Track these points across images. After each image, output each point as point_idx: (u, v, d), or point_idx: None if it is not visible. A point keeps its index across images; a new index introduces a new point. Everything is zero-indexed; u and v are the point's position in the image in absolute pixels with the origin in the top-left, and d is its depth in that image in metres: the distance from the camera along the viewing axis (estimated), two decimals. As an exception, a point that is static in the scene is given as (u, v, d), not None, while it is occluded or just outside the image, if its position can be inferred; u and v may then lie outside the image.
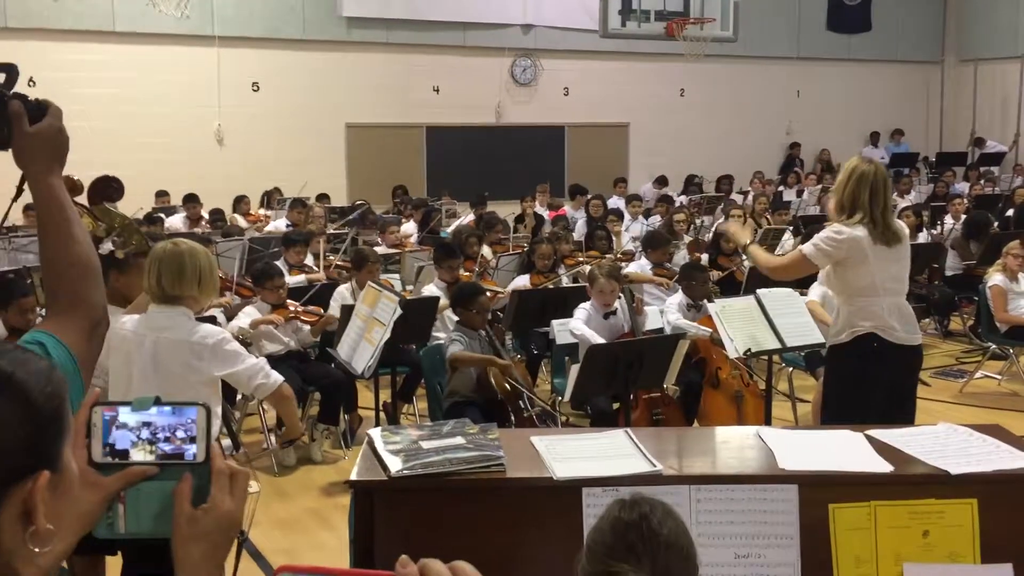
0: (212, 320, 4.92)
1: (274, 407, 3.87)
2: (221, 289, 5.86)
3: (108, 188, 3.19)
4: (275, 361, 5.91)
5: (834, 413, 4.15)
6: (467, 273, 7.46)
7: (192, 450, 1.24)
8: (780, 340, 4.87)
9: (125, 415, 1.25)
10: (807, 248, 4.21)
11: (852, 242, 4.08)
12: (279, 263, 7.16)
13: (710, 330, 5.91)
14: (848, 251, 4.09)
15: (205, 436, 1.24)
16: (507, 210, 11.83)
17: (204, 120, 13.65)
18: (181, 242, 3.51)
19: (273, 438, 6.02)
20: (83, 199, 2.79)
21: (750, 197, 13.25)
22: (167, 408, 1.25)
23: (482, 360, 5.19)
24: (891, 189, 4.27)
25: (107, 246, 3.22)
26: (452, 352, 5.14)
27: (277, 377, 3.63)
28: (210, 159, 13.65)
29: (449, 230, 10.29)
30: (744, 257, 8.27)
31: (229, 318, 6.22)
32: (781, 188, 15.05)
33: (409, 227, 10.86)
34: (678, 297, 6.39)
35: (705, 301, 6.20)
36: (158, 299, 3.45)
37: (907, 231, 4.29)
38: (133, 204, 11.21)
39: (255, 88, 14.02)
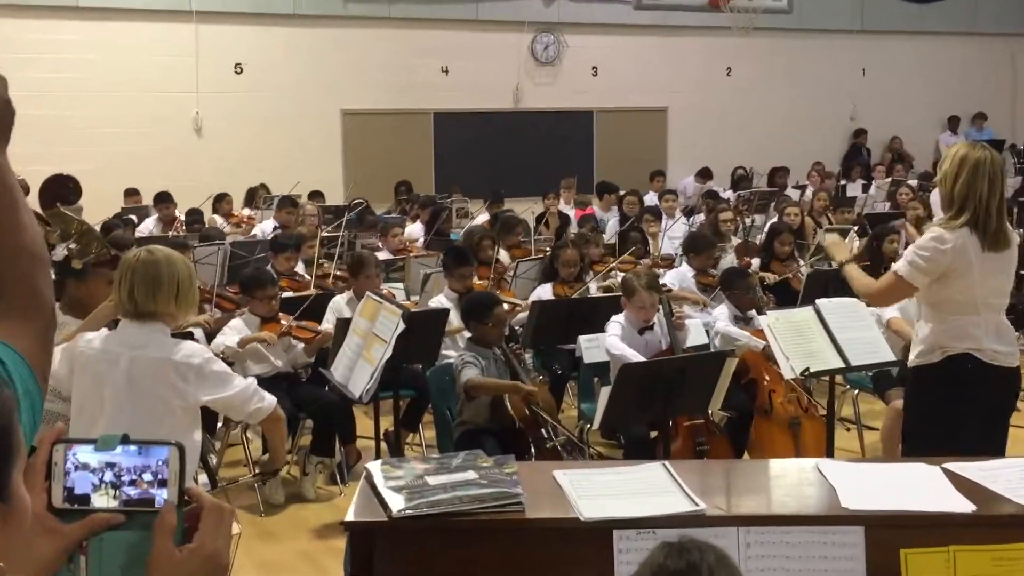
0: (190, 337, 4.94)
1: (265, 431, 3.90)
2: (200, 302, 5.89)
3: (62, 189, 3.23)
4: (262, 384, 5.96)
5: (917, 445, 4.10)
6: (481, 281, 7.48)
7: (163, 495, 1.24)
8: (844, 358, 4.84)
9: (86, 454, 1.25)
10: (902, 268, 4.06)
11: (958, 252, 3.96)
12: (265, 271, 7.18)
13: (763, 343, 5.88)
14: (952, 262, 3.98)
15: (178, 479, 1.25)
16: (527, 209, 11.85)
17: (180, 107, 13.76)
18: (156, 249, 3.54)
19: (255, 470, 6.04)
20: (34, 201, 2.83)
21: (808, 192, 13.20)
22: (133, 448, 1.25)
23: (504, 388, 5.18)
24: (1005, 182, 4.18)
25: (60, 251, 3.25)
26: (467, 378, 5.13)
27: (271, 399, 3.68)
28: (187, 152, 13.74)
29: (460, 232, 10.32)
30: (801, 262, 8.25)
31: (210, 337, 6.24)
32: (844, 182, 15.00)
33: (414, 229, 10.88)
34: (724, 308, 6.40)
35: (755, 313, 6.19)
36: (130, 315, 3.47)
37: (1016, 236, 4.15)
38: (98, 204, 11.33)
39: (238, 70, 14.12)
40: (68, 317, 3.92)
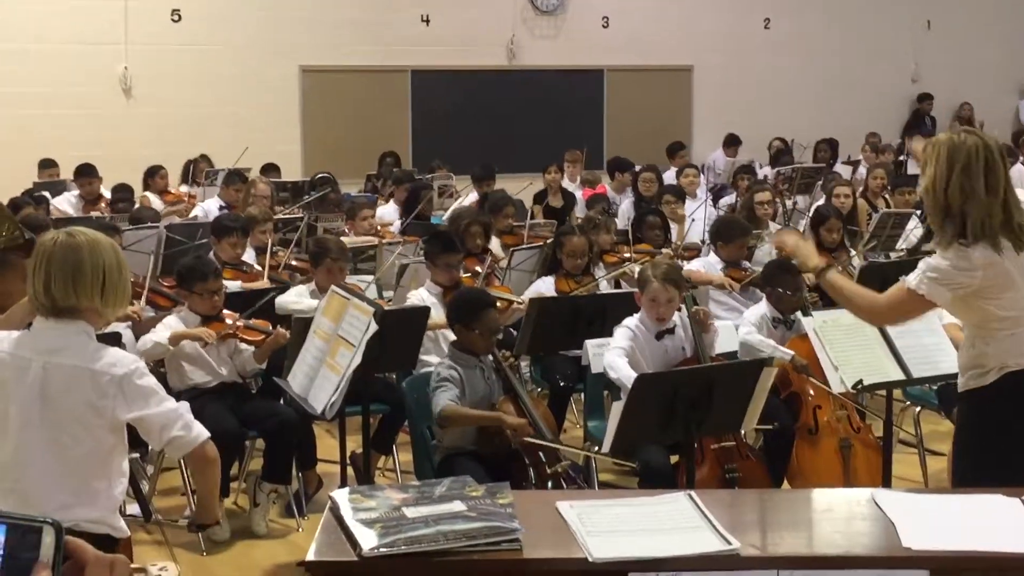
0: (117, 340, 4.95)
1: (191, 472, 3.85)
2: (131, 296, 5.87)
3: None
4: (203, 395, 5.97)
5: (971, 472, 4.12)
6: (467, 274, 7.49)
7: None
8: (904, 369, 4.85)
9: None
10: (921, 284, 3.95)
11: (990, 268, 3.97)
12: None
13: (792, 352, 5.89)
14: (985, 279, 3.99)
15: (51, 565, 1.23)
16: (523, 187, 11.85)
17: (105, 63, 13.74)
18: (79, 232, 3.52)
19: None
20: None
21: (862, 169, 13.23)
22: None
23: (487, 421, 5.18)
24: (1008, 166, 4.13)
25: None
26: (441, 408, 5.10)
27: (200, 431, 3.59)
28: (113, 116, 13.73)
29: (444, 215, 10.31)
30: (853, 253, 8.27)
31: (140, 336, 6.24)
32: (904, 157, 15.01)
33: (388, 210, 10.89)
34: (761, 308, 6.40)
35: (799, 314, 6.20)
36: (46, 311, 3.46)
37: None
38: (4, 178, 11.31)
39: (175, 18, 14.10)
40: None
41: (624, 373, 5.37)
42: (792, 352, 5.88)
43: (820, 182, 12.00)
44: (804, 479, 5.73)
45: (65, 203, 10.99)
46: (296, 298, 6.77)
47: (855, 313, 4.35)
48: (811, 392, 5.91)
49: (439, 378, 5.21)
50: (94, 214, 10.28)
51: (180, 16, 14.10)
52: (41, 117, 13.17)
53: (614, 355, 5.55)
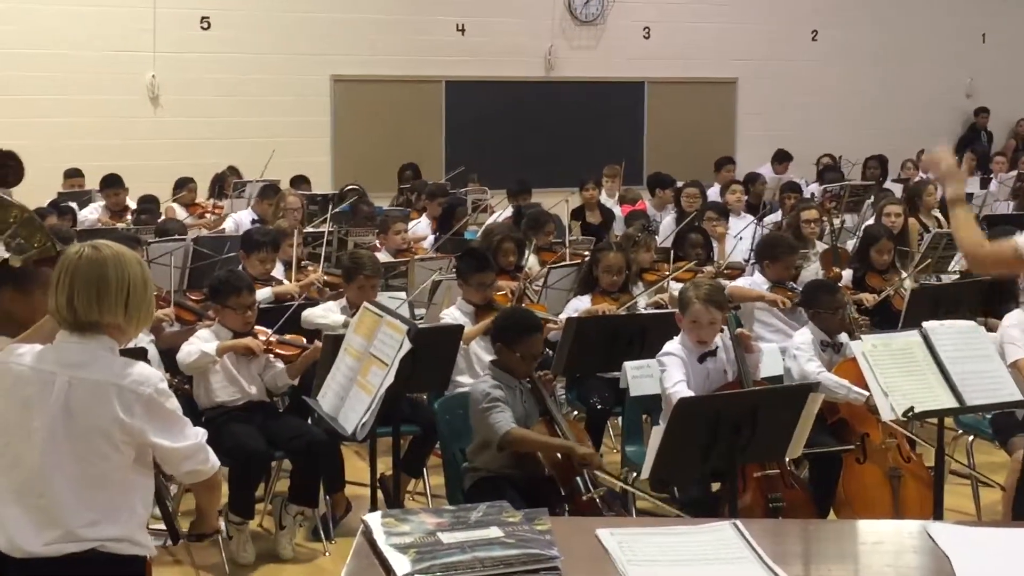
0: (143, 355, 4.97)
1: (195, 492, 3.89)
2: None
3: (1, 168, 3.24)
4: (229, 413, 6.00)
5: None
6: (502, 292, 7.49)
7: None
8: (957, 396, 4.81)
9: None
10: (1021, 241, 4.12)
11: None
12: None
13: (867, 393, 5.81)
14: None
15: None
16: (559, 202, 11.84)
17: (133, 70, 13.86)
18: (104, 245, 3.54)
19: (223, 522, 6.06)
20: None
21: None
22: None
23: (557, 448, 5.15)
24: None
25: (16, 258, 3.26)
26: (505, 429, 5.08)
27: (214, 463, 3.66)
28: (141, 126, 13.84)
29: (478, 231, 10.33)
30: (904, 275, 8.22)
31: (165, 350, 6.27)
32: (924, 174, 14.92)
33: (421, 225, 10.91)
34: (807, 334, 6.34)
35: (846, 337, 6.16)
36: (69, 326, 3.48)
37: None
38: (29, 188, 11.40)
39: (204, 26, 14.21)
40: (3, 335, 3.91)
41: (681, 395, 5.31)
42: (868, 393, 5.75)
43: (870, 200, 11.93)
44: (851, 510, 5.69)
45: (91, 214, 11.09)
46: (324, 312, 6.80)
47: (961, 248, 4.48)
48: (859, 418, 5.87)
49: (489, 398, 5.20)
50: (120, 225, 10.36)
51: (210, 24, 14.20)
52: (67, 125, 13.30)
53: (681, 391, 5.38)
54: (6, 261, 3.34)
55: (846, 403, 5.90)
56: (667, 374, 5.56)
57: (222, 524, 5.47)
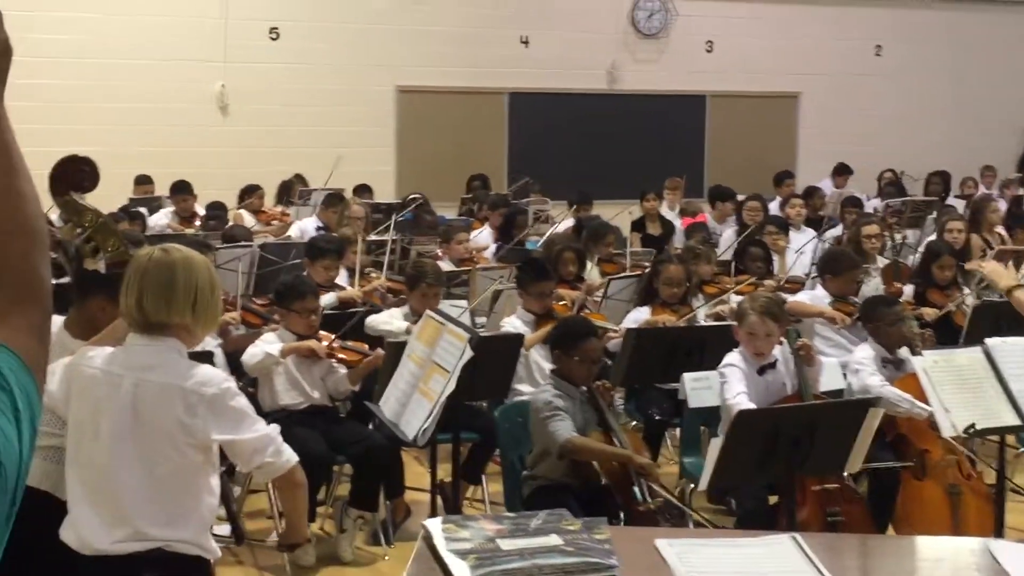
0: (209, 358, 5.02)
1: (278, 494, 3.90)
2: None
3: (78, 173, 3.29)
4: (291, 417, 6.04)
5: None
6: (563, 302, 7.49)
7: None
8: (1019, 414, 4.76)
9: None
10: None
11: None
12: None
13: (930, 410, 5.74)
14: None
15: None
16: (619, 214, 11.84)
17: (202, 80, 14.03)
18: (173, 249, 3.60)
19: (283, 526, 6.11)
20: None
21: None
22: None
23: (616, 457, 5.16)
24: None
25: (91, 260, 3.30)
26: (565, 438, 5.10)
27: (290, 456, 3.64)
28: (209, 134, 14.00)
29: (539, 241, 10.33)
30: (967, 291, 8.12)
31: (231, 353, 6.33)
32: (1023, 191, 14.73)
33: (483, 235, 10.94)
34: (868, 349, 6.27)
35: (907, 352, 6.10)
36: (138, 327, 3.53)
37: None
38: (101, 194, 11.56)
39: (273, 36, 14.35)
40: (73, 340, 3.96)
41: (743, 407, 5.29)
42: (931, 409, 5.69)
43: (932, 215, 11.81)
44: (910, 526, 5.63)
45: (160, 220, 11.22)
46: (387, 318, 6.83)
47: None
48: (919, 434, 5.80)
49: (550, 407, 5.21)
50: (188, 231, 10.48)
51: (278, 34, 14.33)
52: (138, 133, 13.46)
53: (742, 402, 5.34)
54: (97, 270, 3.39)
55: (906, 419, 5.84)
56: (727, 385, 5.54)
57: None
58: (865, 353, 6.22)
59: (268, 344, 6.10)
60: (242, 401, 3.58)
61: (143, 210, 11.03)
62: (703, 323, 7.33)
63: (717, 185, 13.52)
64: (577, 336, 5.46)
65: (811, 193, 13.26)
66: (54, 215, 6.07)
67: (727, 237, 11.06)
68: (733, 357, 5.68)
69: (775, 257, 9.39)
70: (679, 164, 14.71)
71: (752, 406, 5.33)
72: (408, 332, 6.42)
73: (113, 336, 3.67)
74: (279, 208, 12.38)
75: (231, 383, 3.60)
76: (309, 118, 14.30)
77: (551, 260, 7.93)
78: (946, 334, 7.56)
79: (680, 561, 2.49)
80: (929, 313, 7.82)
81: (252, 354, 6.03)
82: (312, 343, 6.10)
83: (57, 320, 4.06)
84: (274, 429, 3.64)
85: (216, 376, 3.56)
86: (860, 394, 5.89)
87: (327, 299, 7.39)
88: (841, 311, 7.47)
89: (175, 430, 3.45)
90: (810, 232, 11.04)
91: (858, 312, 6.98)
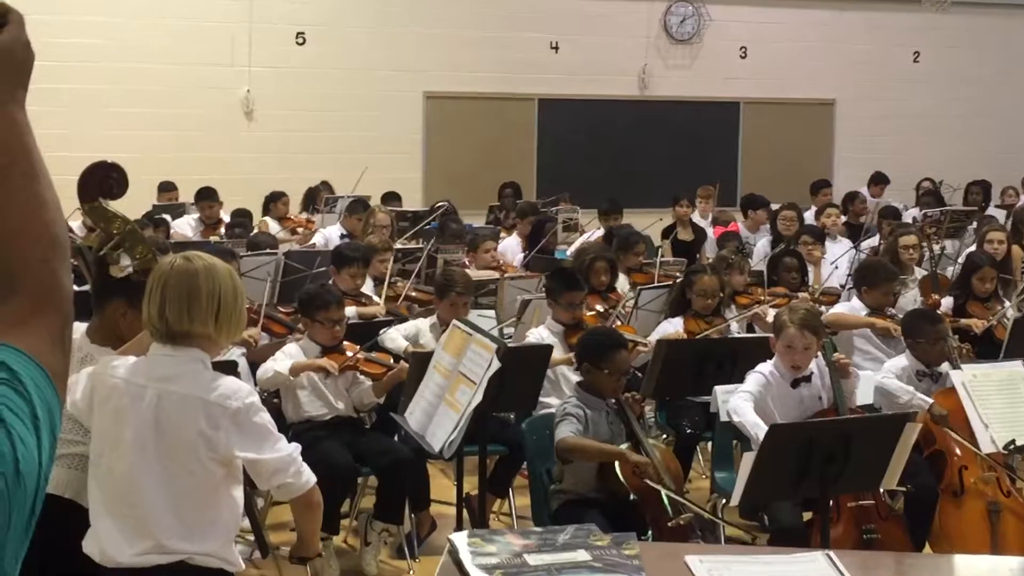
0: (232, 368, 5.04)
1: (294, 513, 3.91)
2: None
3: (106, 180, 3.31)
4: (316, 428, 6.06)
5: None
6: (591, 312, 7.48)
7: None
8: (1061, 429, 4.73)
9: None
10: None
11: None
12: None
13: (930, 400, 5.75)
14: None
15: None
16: (652, 223, 11.83)
17: (227, 85, 14.11)
18: (196, 257, 3.61)
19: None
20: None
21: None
22: None
23: (607, 455, 5.18)
24: None
25: (117, 268, 3.32)
26: (562, 438, 5.14)
27: (309, 477, 3.65)
28: (234, 140, 14.08)
29: (568, 250, 10.33)
30: (1007, 303, 8.07)
31: (254, 363, 6.35)
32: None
33: (511, 243, 10.95)
34: (903, 360, 6.25)
35: (946, 366, 6.06)
36: (161, 336, 3.54)
37: None
38: (128, 202, 11.62)
39: (300, 41, 14.42)
40: (94, 347, 3.98)
41: (748, 419, 5.32)
42: (931, 400, 5.73)
43: (972, 225, 11.73)
44: (948, 544, 5.59)
45: (185, 226, 11.29)
46: (394, 335, 6.81)
47: None
48: (957, 451, 5.77)
49: (564, 412, 5.24)
50: (213, 238, 10.53)
51: (305, 39, 14.39)
52: (162, 139, 13.55)
53: (740, 399, 5.47)
54: (125, 275, 3.41)
55: (943, 434, 5.80)
56: (744, 386, 5.57)
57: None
58: (897, 363, 6.21)
59: (287, 357, 6.11)
60: (265, 417, 3.58)
61: (167, 216, 11.09)
62: (736, 334, 7.31)
63: (750, 194, 13.50)
64: (607, 348, 5.45)
65: (851, 199, 13.24)
66: (76, 222, 6.12)
67: (761, 247, 11.03)
68: (764, 366, 5.67)
69: (810, 268, 9.35)
70: (712, 172, 14.67)
71: (749, 406, 5.38)
72: (407, 352, 6.46)
73: (139, 347, 3.69)
74: (304, 215, 12.42)
75: (255, 397, 3.61)
76: (335, 124, 14.36)
77: (582, 270, 7.91)
78: (986, 347, 7.52)
79: (711, 578, 2.49)
80: (977, 325, 7.75)
81: (264, 370, 6.04)
82: (323, 362, 6.09)
83: (79, 327, 4.09)
84: (295, 449, 3.65)
85: (240, 389, 3.57)
86: (877, 390, 5.92)
87: (348, 312, 7.40)
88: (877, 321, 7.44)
89: (197, 442, 3.46)
90: (846, 243, 11.00)
91: (899, 325, 6.94)
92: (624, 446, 5.30)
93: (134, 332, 3.79)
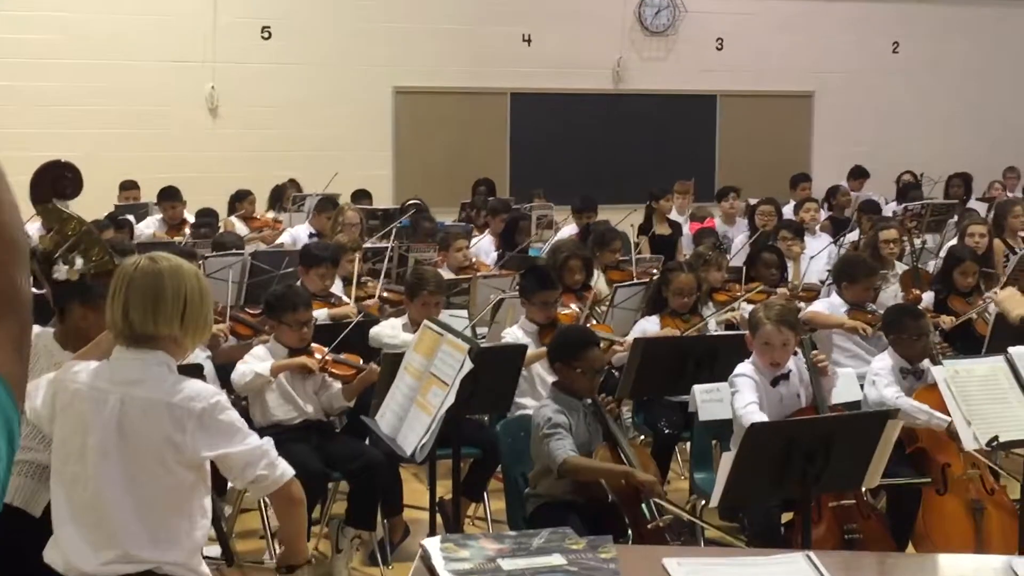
0: (198, 372, 5.02)
1: (275, 511, 3.88)
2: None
3: (60, 180, 3.29)
4: (285, 432, 6.04)
5: None
6: (567, 311, 7.49)
7: None
8: (1044, 425, 4.75)
9: None
10: None
11: None
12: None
13: (949, 419, 5.72)
14: None
15: None
16: (625, 218, 11.83)
17: (191, 81, 14.04)
18: (161, 257, 3.60)
19: (277, 547, 6.10)
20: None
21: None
22: None
23: (615, 475, 5.16)
24: None
25: (61, 269, 3.31)
26: (563, 458, 5.07)
27: (285, 470, 3.61)
28: (198, 137, 14.02)
29: (542, 248, 10.33)
30: (989, 298, 8.11)
31: (221, 365, 6.33)
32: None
33: (483, 242, 10.94)
34: (887, 359, 6.28)
35: (928, 363, 6.09)
36: (125, 339, 3.53)
37: None
38: (85, 200, 11.57)
39: (265, 36, 14.37)
40: (66, 353, 3.97)
41: (755, 419, 5.27)
42: (949, 419, 5.66)
43: (953, 219, 11.80)
44: (931, 543, 5.62)
45: (149, 228, 11.23)
46: (392, 331, 6.81)
47: None
48: (940, 448, 5.80)
49: (550, 424, 5.20)
50: (177, 239, 10.48)
51: (270, 33, 14.35)
52: (124, 137, 13.50)
53: (752, 412, 5.35)
54: (69, 278, 3.40)
55: (926, 431, 5.83)
56: (738, 395, 5.53)
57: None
58: (883, 363, 6.22)
59: (258, 360, 6.10)
60: (232, 414, 3.57)
61: (130, 217, 11.02)
62: (714, 332, 7.33)
63: (728, 186, 13.47)
64: (579, 346, 5.45)
65: (834, 192, 13.30)
66: (34, 224, 6.09)
67: (739, 242, 11.07)
68: (745, 367, 5.67)
69: (789, 263, 9.38)
70: (688, 167, 14.68)
71: (764, 417, 5.33)
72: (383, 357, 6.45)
73: (99, 350, 3.67)
74: (271, 214, 12.38)
75: (221, 396, 3.59)
76: (302, 121, 14.32)
77: (556, 268, 7.92)
78: (968, 343, 7.57)
79: (689, 581, 2.49)
80: (947, 322, 7.81)
81: (242, 373, 6.02)
82: (304, 359, 6.09)
83: (46, 332, 4.08)
84: (268, 442, 3.62)
85: (205, 390, 3.55)
86: (877, 406, 5.89)
87: (318, 315, 7.38)
88: (858, 319, 7.46)
89: (163, 448, 3.44)
90: (825, 238, 11.05)
91: (880, 321, 6.97)
92: (600, 446, 5.31)
93: (97, 327, 3.77)
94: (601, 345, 5.85)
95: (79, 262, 3.42)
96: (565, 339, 5.62)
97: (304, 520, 3.87)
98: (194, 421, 3.44)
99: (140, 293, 3.48)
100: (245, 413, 6.03)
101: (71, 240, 3.35)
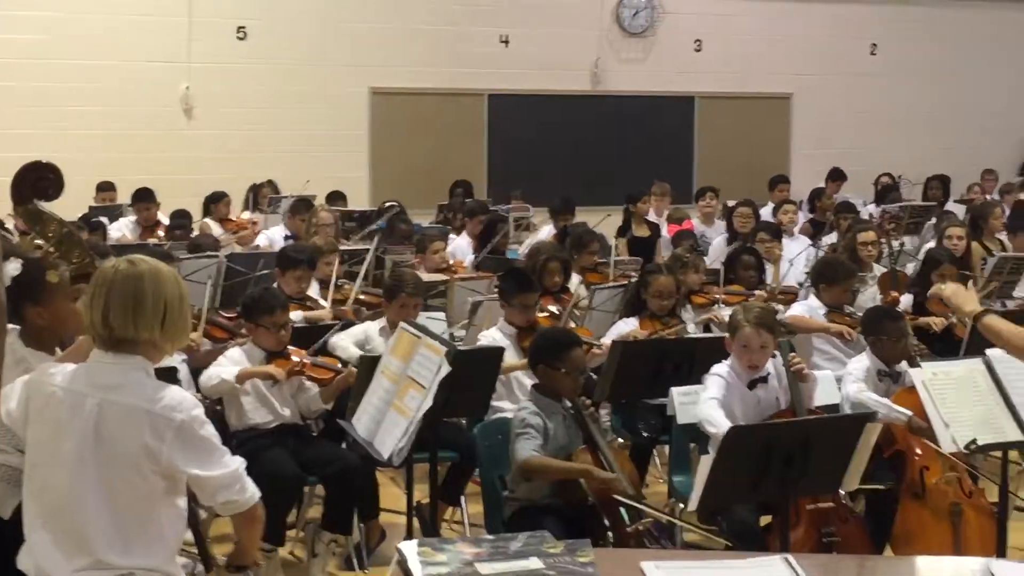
0: (172, 375, 5.01)
1: (234, 524, 3.88)
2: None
3: (41, 181, 3.29)
4: (261, 436, 6.03)
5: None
6: (544, 313, 7.49)
7: None
8: (1023, 427, 4.77)
9: None
10: None
11: None
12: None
13: (910, 412, 5.80)
14: None
15: None
16: (602, 220, 11.84)
17: (166, 81, 13.99)
18: (141, 260, 3.57)
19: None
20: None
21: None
22: None
23: (574, 473, 5.18)
24: None
25: (14, 266, 3.30)
26: (524, 458, 5.13)
27: (253, 493, 3.61)
28: (173, 138, 13.96)
29: (520, 250, 10.33)
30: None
31: (196, 370, 6.31)
32: (1025, 196, 14.81)
33: (461, 244, 10.93)
34: (864, 360, 6.32)
35: (905, 365, 6.12)
36: (104, 343, 3.51)
37: None
38: (64, 203, 11.52)
39: (241, 36, 14.33)
40: (28, 350, 3.97)
41: (725, 428, 5.29)
42: (910, 413, 5.75)
43: (931, 221, 11.86)
44: (909, 546, 5.63)
45: (122, 230, 11.18)
46: (346, 343, 6.76)
47: (1018, 357, 4.34)
48: (918, 451, 5.82)
49: (523, 424, 5.22)
50: (151, 241, 10.44)
51: (246, 34, 14.32)
52: (99, 137, 13.44)
53: (710, 408, 5.46)
54: (18, 278, 3.38)
55: (904, 435, 5.86)
56: (704, 392, 5.59)
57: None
58: (860, 364, 6.26)
59: (231, 363, 6.08)
60: (210, 430, 3.54)
61: (104, 219, 10.98)
62: (692, 334, 7.35)
63: (707, 187, 13.49)
64: (562, 347, 5.45)
65: (817, 195, 13.35)
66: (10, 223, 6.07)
67: (717, 245, 11.09)
68: (720, 368, 5.70)
69: (767, 266, 9.41)
70: (666, 169, 14.72)
71: (720, 413, 5.39)
72: (360, 360, 6.42)
73: (78, 355, 3.66)
74: (247, 216, 12.35)
75: (200, 409, 3.56)
76: (278, 122, 14.29)
77: (535, 270, 7.92)
78: (946, 345, 7.60)
79: (668, 584, 2.51)
80: (936, 324, 7.84)
81: (209, 376, 5.99)
82: (270, 368, 6.05)
83: (12, 328, 4.06)
84: (241, 464, 3.60)
85: (185, 400, 3.53)
86: (852, 403, 5.95)
87: (294, 317, 7.36)
88: (836, 322, 7.49)
89: (140, 454, 3.42)
90: (804, 240, 11.09)
91: (859, 323, 7.00)
92: (580, 449, 5.32)
93: (60, 322, 3.75)
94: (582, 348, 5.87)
95: (55, 264, 3.41)
96: (547, 341, 5.63)
97: (260, 532, 3.89)
98: (173, 432, 3.42)
99: (121, 297, 3.46)
100: (220, 418, 6.02)
101: (52, 241, 3.34)
